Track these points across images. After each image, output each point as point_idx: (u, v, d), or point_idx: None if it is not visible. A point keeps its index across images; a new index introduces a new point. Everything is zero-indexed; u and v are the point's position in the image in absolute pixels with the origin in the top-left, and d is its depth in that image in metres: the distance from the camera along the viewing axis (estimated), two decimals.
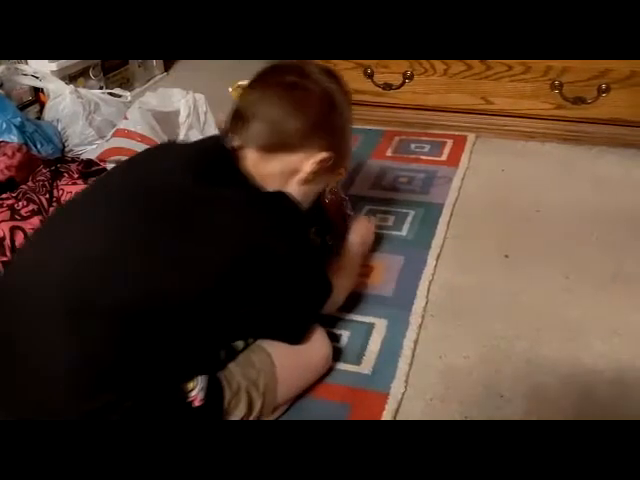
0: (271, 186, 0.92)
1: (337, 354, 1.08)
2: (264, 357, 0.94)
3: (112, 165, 1.52)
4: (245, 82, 1.82)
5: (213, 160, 0.91)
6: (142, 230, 0.83)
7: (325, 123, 0.95)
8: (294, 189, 0.95)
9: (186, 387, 0.83)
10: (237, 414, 0.89)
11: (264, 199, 0.90)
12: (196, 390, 0.83)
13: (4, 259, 1.19)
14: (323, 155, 0.94)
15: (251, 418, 0.91)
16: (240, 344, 0.95)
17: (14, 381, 0.80)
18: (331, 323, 1.13)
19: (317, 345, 1.00)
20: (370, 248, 1.30)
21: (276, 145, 0.92)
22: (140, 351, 0.78)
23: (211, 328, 0.86)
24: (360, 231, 1.24)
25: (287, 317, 0.96)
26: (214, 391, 0.86)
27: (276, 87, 0.94)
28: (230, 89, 1.78)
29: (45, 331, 0.78)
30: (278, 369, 0.93)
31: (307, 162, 0.94)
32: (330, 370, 1.05)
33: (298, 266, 0.91)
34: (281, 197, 0.91)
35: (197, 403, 0.83)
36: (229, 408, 0.88)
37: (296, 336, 0.97)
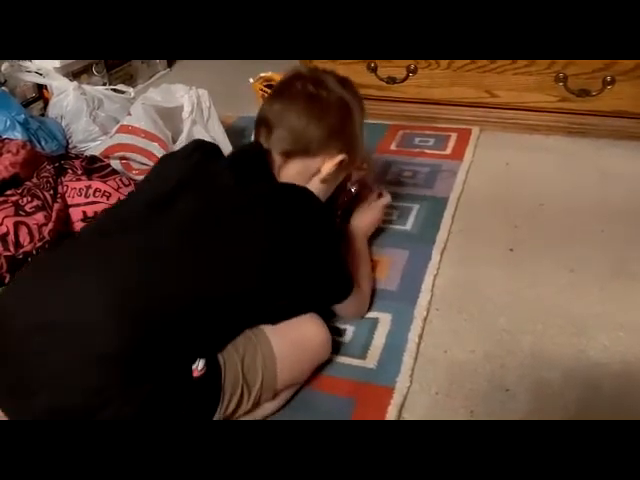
0: None
1: (342, 348, 1.08)
2: (260, 333, 0.96)
3: (116, 161, 1.52)
4: (267, 74, 1.81)
5: (251, 163, 1.02)
6: (188, 234, 0.91)
7: (341, 130, 1.06)
8: (314, 187, 1.05)
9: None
10: (233, 389, 0.90)
11: (293, 194, 0.99)
12: (195, 364, 0.86)
13: (8, 254, 1.20)
14: (339, 157, 1.05)
15: (252, 396, 0.92)
16: None
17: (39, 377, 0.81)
18: (336, 317, 1.13)
19: (313, 330, 1.01)
20: (379, 223, 1.34)
21: (298, 151, 1.03)
22: (178, 344, 0.86)
23: (244, 318, 0.95)
24: (366, 214, 1.29)
25: (311, 305, 1.03)
26: (211, 363, 0.89)
27: (298, 98, 1.04)
28: (251, 80, 1.79)
29: (91, 324, 0.81)
30: (276, 350, 0.95)
31: (325, 164, 1.05)
32: (333, 362, 1.05)
33: (327, 255, 1.00)
34: (304, 191, 1.01)
35: (196, 374, 0.86)
36: (226, 382, 0.89)
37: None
